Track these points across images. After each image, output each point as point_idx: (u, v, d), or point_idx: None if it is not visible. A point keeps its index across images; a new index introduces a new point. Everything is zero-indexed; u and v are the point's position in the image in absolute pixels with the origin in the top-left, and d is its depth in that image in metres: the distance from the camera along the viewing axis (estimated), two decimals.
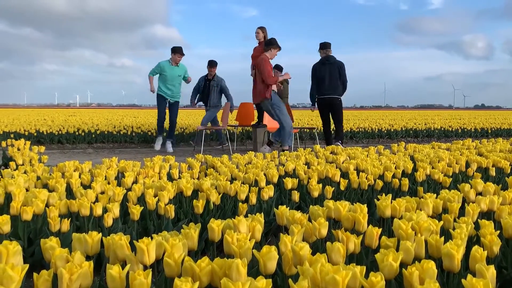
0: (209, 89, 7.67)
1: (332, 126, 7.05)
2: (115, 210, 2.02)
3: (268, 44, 6.21)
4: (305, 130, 9.65)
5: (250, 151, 4.17)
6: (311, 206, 1.86)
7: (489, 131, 11.98)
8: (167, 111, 7.41)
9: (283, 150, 5.67)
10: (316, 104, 6.89)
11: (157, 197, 2.26)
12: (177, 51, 7.13)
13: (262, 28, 7.02)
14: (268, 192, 2.55)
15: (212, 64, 7.61)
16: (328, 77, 6.61)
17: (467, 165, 3.62)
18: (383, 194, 2.17)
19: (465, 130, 11.77)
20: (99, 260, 1.76)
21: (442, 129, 11.64)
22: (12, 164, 3.53)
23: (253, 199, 2.45)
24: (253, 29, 7.15)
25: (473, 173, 3.34)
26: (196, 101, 7.99)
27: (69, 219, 1.94)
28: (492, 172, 3.38)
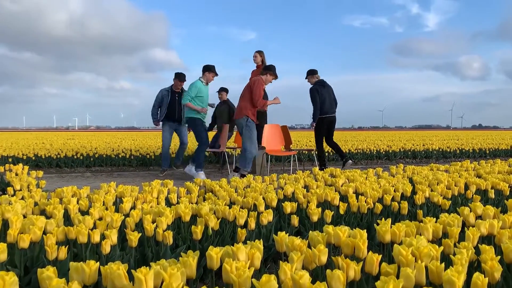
0: (179, 104, 7.02)
1: (327, 148, 7.26)
2: (113, 237, 2.01)
3: (266, 69, 6.26)
4: (304, 152, 9.67)
5: (249, 174, 4.16)
6: (310, 231, 1.85)
7: (487, 152, 12.00)
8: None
9: (242, 176, 5.59)
10: (316, 122, 7.20)
11: (155, 223, 2.25)
12: (212, 70, 6.54)
13: (260, 52, 7.14)
14: (267, 217, 2.54)
15: (182, 78, 7.04)
16: (328, 98, 7.18)
17: (466, 187, 3.62)
18: (383, 218, 2.16)
19: (463, 151, 11.79)
20: None
21: (440, 150, 11.66)
22: (9, 189, 3.52)
23: (252, 224, 2.43)
24: (251, 51, 7.27)
25: (472, 195, 3.33)
26: (160, 119, 7.16)
27: (67, 247, 1.92)
28: (491, 194, 3.38)
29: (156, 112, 7.16)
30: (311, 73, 7.30)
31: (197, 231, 2.17)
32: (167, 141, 7.20)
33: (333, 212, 2.61)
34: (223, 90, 8.35)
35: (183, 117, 7.02)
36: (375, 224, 2.03)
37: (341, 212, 2.84)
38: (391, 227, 1.93)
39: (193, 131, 6.68)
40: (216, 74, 6.62)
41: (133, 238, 2.01)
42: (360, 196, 2.95)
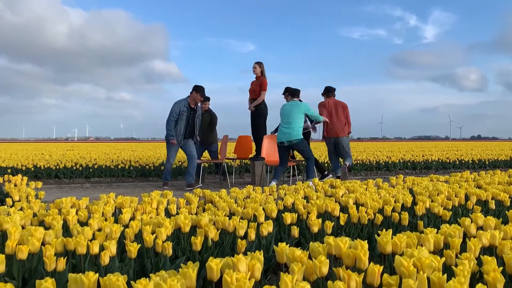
0: (194, 121, 6.79)
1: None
2: (112, 248, 1.99)
3: (332, 91, 7.14)
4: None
5: (249, 185, 4.15)
6: (311, 242, 1.84)
7: (487, 162, 12.00)
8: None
9: (338, 177, 6.40)
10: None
11: (154, 234, 2.23)
12: (298, 93, 6.75)
13: (259, 63, 7.18)
14: (267, 228, 2.52)
15: (203, 93, 6.76)
16: None
17: (466, 198, 3.60)
18: (384, 229, 2.15)
19: (463, 161, 11.79)
20: None
21: (440, 160, 11.65)
22: (8, 200, 3.50)
23: (252, 235, 2.42)
24: (250, 63, 7.31)
25: (473, 206, 3.32)
26: (177, 137, 6.71)
27: (65, 258, 1.90)
28: (492, 205, 3.37)
29: (173, 127, 6.64)
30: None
31: (197, 242, 2.16)
32: (173, 158, 6.90)
33: (333, 223, 2.60)
34: (206, 100, 7.85)
35: (196, 134, 6.88)
36: (376, 235, 2.02)
37: (342, 223, 2.83)
38: (392, 238, 1.92)
39: (302, 148, 6.39)
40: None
41: (132, 249, 1.99)
42: (360, 207, 2.93)
